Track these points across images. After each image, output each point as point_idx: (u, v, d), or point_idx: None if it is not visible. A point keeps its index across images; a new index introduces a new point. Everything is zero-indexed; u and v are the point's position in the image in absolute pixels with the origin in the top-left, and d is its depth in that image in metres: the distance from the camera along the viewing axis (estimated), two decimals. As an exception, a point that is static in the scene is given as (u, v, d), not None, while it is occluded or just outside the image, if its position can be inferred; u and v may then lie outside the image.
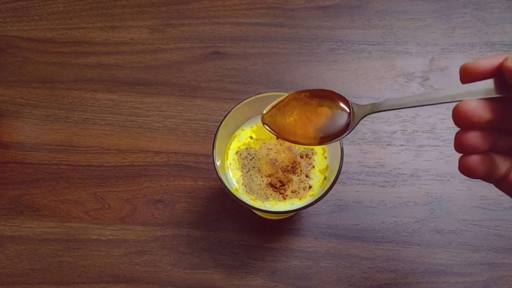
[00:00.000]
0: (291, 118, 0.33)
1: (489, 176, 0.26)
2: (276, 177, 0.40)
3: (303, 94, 0.32)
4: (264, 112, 0.34)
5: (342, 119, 0.31)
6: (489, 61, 0.24)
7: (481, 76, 0.24)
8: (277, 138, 0.35)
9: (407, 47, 0.57)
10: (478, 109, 0.23)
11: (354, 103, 0.31)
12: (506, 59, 0.23)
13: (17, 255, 0.48)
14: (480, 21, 0.58)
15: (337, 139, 0.31)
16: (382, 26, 0.58)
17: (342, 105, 0.31)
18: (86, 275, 0.47)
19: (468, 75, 0.25)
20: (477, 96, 0.24)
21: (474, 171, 0.25)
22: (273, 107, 0.34)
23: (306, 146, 0.41)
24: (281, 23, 0.59)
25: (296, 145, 0.41)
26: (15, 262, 0.47)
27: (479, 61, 0.24)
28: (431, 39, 0.57)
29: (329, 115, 0.32)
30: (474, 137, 0.24)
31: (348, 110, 0.31)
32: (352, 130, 0.30)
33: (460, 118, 0.24)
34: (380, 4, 0.60)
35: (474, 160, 0.25)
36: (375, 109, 0.29)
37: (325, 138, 0.32)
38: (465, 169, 0.25)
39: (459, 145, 0.25)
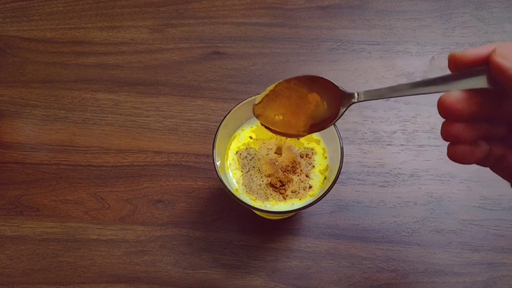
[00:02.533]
0: (283, 108, 0.32)
1: (482, 162, 0.26)
2: (276, 177, 0.40)
3: (292, 82, 0.31)
4: (256, 103, 0.33)
5: (332, 104, 0.30)
6: (477, 51, 0.23)
7: (469, 66, 0.24)
8: (263, 126, 0.34)
9: (407, 47, 0.57)
10: (462, 101, 0.23)
11: (343, 88, 0.30)
12: (494, 51, 0.22)
13: (17, 255, 0.48)
14: (480, 20, 0.58)
15: (327, 126, 0.31)
16: (382, 26, 0.58)
17: (331, 90, 0.30)
18: (86, 275, 0.47)
19: (455, 64, 0.24)
20: (464, 87, 0.23)
21: (462, 159, 0.25)
22: (263, 98, 0.33)
23: (306, 146, 0.41)
24: (281, 23, 0.59)
25: (296, 145, 0.41)
26: (15, 262, 0.47)
27: (467, 50, 0.24)
28: (431, 38, 0.57)
29: (319, 100, 0.31)
30: (460, 128, 0.24)
31: (337, 95, 0.30)
32: (341, 116, 0.30)
33: (444, 110, 0.24)
34: (380, 4, 0.60)
35: (462, 149, 0.25)
36: (365, 96, 0.28)
37: (316, 125, 0.31)
38: (453, 157, 0.25)
39: (446, 136, 0.25)
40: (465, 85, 0.23)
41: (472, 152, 0.25)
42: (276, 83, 0.32)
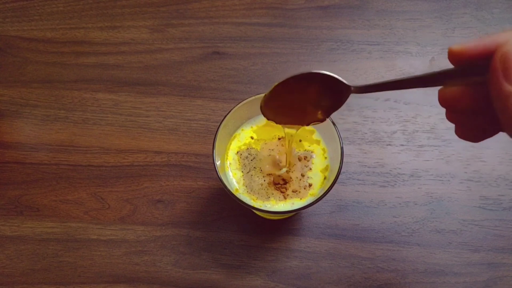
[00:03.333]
0: (289, 104, 0.32)
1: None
2: (278, 176, 0.40)
3: (290, 80, 0.30)
4: (262, 104, 0.32)
5: (334, 92, 0.30)
6: (478, 45, 0.21)
7: (469, 60, 0.22)
8: (277, 123, 0.34)
9: (407, 47, 0.57)
10: (461, 95, 0.22)
11: (340, 79, 0.29)
12: (499, 54, 0.19)
13: (17, 255, 0.48)
14: (480, 21, 0.58)
15: (334, 111, 0.31)
16: (382, 26, 0.58)
17: (328, 80, 0.29)
18: (86, 275, 0.47)
19: (454, 59, 0.22)
20: (463, 82, 0.22)
21: (470, 140, 0.25)
22: (267, 99, 0.32)
23: (307, 149, 0.41)
24: (281, 23, 0.59)
25: (296, 146, 0.41)
26: (15, 262, 0.47)
27: (467, 44, 0.21)
28: (431, 39, 0.57)
29: (320, 91, 0.30)
30: (463, 116, 0.24)
31: (337, 83, 0.29)
32: (343, 103, 0.30)
33: (443, 101, 0.23)
34: (380, 4, 0.60)
35: (468, 131, 0.24)
36: (363, 88, 0.28)
37: (324, 113, 0.32)
38: (461, 137, 0.25)
39: (451, 120, 0.24)
40: (465, 80, 0.22)
41: (479, 132, 0.24)
42: (273, 86, 0.31)
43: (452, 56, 0.22)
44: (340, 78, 0.29)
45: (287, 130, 0.36)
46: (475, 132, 0.24)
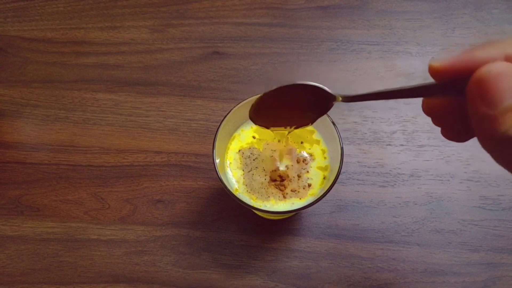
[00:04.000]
0: (277, 111, 0.33)
1: None
2: (274, 171, 0.40)
3: (278, 90, 0.31)
4: (251, 112, 0.33)
5: (321, 100, 0.31)
6: (456, 63, 0.21)
7: (449, 77, 0.21)
8: (266, 128, 0.35)
9: (407, 47, 0.57)
10: (443, 105, 0.23)
11: (325, 88, 0.30)
12: (474, 74, 0.19)
13: (17, 255, 0.48)
14: (480, 21, 0.58)
15: (321, 116, 0.33)
16: (382, 26, 0.58)
17: (314, 89, 0.30)
18: (86, 275, 0.47)
19: (435, 75, 0.22)
20: (445, 95, 0.23)
21: (456, 140, 0.26)
22: (256, 107, 0.33)
23: (306, 150, 0.41)
24: (281, 23, 0.59)
25: (297, 147, 0.41)
26: (15, 262, 0.47)
27: (445, 62, 0.21)
28: (431, 39, 0.57)
29: (308, 99, 0.31)
30: (448, 122, 0.24)
31: (323, 92, 0.30)
32: (329, 110, 0.32)
33: (426, 111, 0.24)
34: (380, 4, 0.60)
35: (454, 134, 0.25)
36: (350, 98, 0.29)
37: (311, 118, 0.34)
38: (447, 138, 0.26)
39: (436, 124, 0.25)
40: (444, 95, 0.23)
41: (464, 134, 0.25)
42: (261, 95, 0.32)
43: (432, 72, 0.22)
44: (325, 88, 0.30)
45: (275, 132, 0.37)
46: (460, 134, 0.25)
